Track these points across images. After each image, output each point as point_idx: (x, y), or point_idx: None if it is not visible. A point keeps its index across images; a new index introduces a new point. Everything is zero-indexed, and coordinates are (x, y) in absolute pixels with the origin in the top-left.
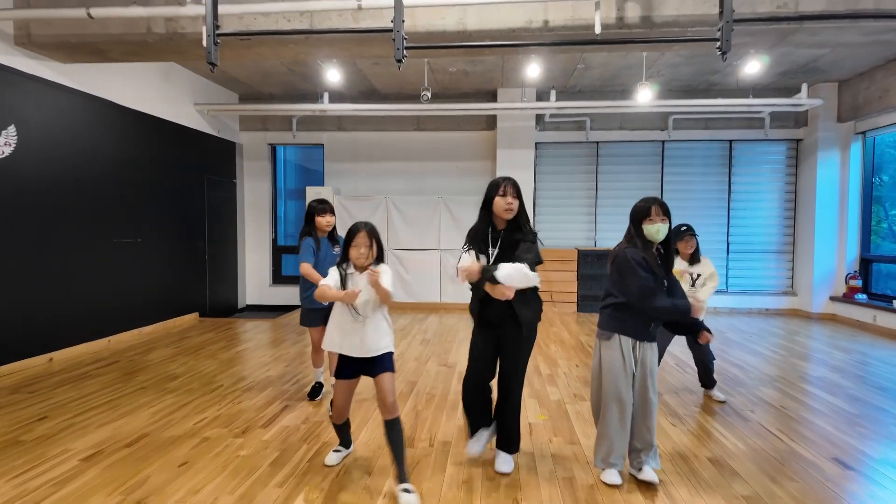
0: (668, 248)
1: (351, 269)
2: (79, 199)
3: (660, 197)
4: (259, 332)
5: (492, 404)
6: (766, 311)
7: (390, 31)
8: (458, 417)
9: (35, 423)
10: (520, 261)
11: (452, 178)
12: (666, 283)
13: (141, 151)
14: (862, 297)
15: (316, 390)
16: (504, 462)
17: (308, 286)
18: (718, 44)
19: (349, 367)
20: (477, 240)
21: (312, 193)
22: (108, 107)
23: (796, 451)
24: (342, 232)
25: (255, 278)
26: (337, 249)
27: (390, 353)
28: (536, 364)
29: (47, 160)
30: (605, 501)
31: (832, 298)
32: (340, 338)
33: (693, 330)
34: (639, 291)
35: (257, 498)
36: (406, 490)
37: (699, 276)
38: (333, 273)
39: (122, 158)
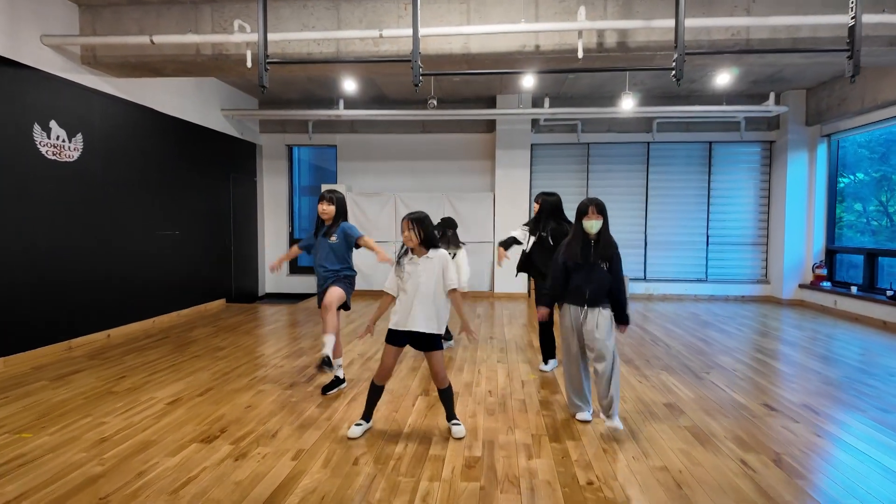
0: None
1: (410, 256)
2: (130, 196)
3: (646, 195)
4: (283, 315)
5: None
6: (741, 298)
7: (408, 60)
8: (464, 376)
9: (119, 380)
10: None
11: (455, 177)
12: (606, 266)
13: (178, 153)
14: (826, 284)
15: (333, 383)
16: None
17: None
18: (673, 73)
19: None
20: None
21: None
22: (151, 114)
23: (735, 398)
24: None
25: None
26: (334, 239)
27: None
28: (530, 340)
29: (107, 163)
30: (576, 429)
31: (801, 286)
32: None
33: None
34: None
35: (309, 430)
36: (455, 424)
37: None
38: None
39: (162, 160)
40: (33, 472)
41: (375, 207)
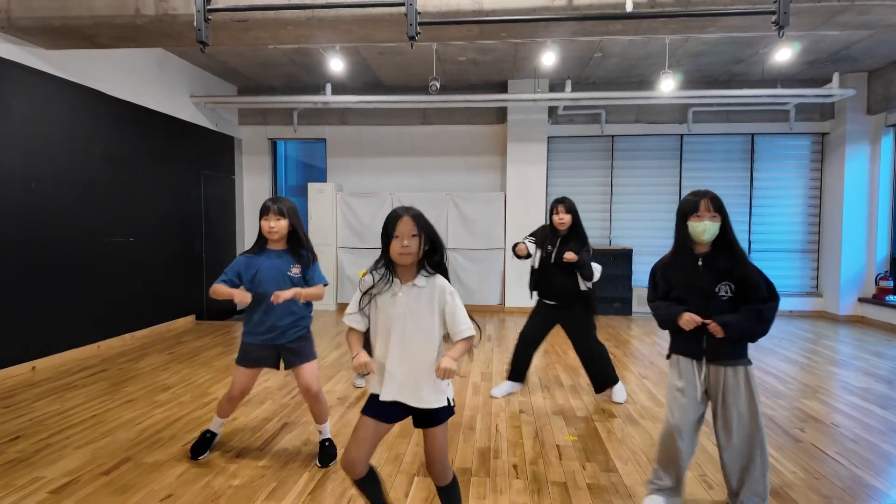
0: (726, 248)
1: (388, 282)
2: (67, 195)
3: (679, 194)
4: None
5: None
6: (789, 314)
7: (402, 4)
8: (476, 440)
9: (7, 444)
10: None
11: (461, 174)
12: (730, 292)
13: (133, 145)
14: (893, 298)
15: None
16: None
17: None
18: (775, 17)
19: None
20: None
21: (314, 190)
22: (97, 97)
23: (863, 479)
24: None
25: None
26: (296, 271)
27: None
28: (556, 374)
29: (32, 154)
30: None
31: (861, 300)
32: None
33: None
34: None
35: None
36: None
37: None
38: (367, 280)
39: (112, 152)
40: None
41: (370, 209)
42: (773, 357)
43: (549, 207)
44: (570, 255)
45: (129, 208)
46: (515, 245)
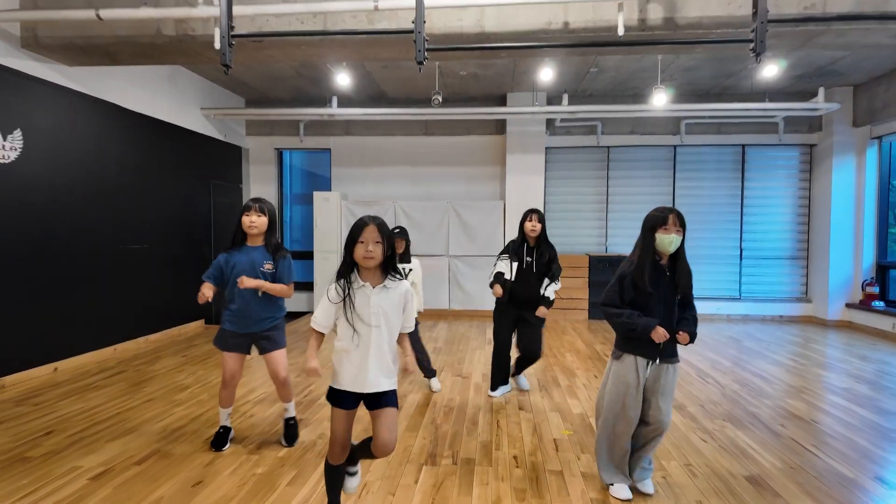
0: (680, 261)
1: (359, 283)
2: (85, 204)
3: (672, 204)
4: None
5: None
6: (779, 318)
7: (410, 32)
8: (479, 434)
9: (41, 438)
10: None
11: (461, 184)
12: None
13: (147, 156)
14: (879, 304)
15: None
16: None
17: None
18: (752, 45)
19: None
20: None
21: (320, 199)
22: (113, 110)
23: (836, 469)
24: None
25: None
26: (268, 267)
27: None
28: (554, 375)
29: (53, 165)
30: None
31: (848, 305)
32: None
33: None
34: (602, 300)
35: None
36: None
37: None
38: (333, 292)
39: (127, 163)
40: None
41: None
42: (761, 360)
43: (522, 216)
44: (542, 311)
45: (142, 216)
46: (492, 285)
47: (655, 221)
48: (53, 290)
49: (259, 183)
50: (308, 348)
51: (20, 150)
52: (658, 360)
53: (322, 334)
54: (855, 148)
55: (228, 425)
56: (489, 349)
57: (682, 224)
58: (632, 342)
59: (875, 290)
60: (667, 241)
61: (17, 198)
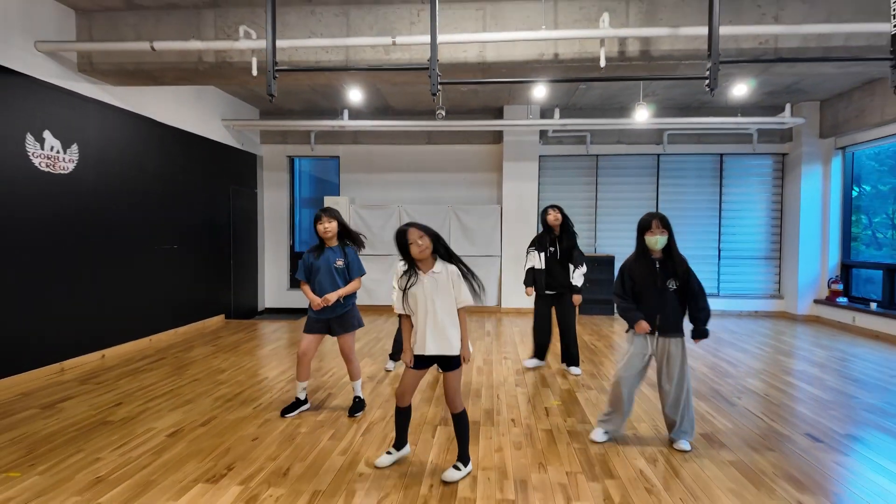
0: (672, 255)
1: (412, 278)
2: (128, 209)
3: (656, 208)
4: (285, 333)
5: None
6: (755, 314)
7: (424, 68)
8: (482, 403)
9: (114, 408)
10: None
11: (461, 189)
12: (675, 286)
13: (177, 164)
14: (843, 300)
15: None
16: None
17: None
18: (707, 81)
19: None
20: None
21: (330, 203)
22: (149, 124)
23: (775, 428)
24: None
25: (273, 283)
26: (340, 263)
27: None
28: (547, 361)
29: (102, 175)
30: (613, 465)
31: (816, 301)
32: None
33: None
34: (613, 290)
35: (325, 465)
36: (456, 468)
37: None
38: (395, 283)
39: (161, 171)
40: None
41: (380, 220)
42: (731, 348)
43: (541, 211)
44: (577, 299)
45: (173, 219)
46: (526, 285)
47: (643, 226)
48: (100, 285)
49: (273, 188)
50: (404, 337)
51: (76, 161)
52: (657, 334)
53: (408, 316)
54: (822, 157)
55: (302, 398)
56: (487, 340)
57: (665, 226)
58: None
59: (839, 287)
60: (653, 241)
61: (75, 204)
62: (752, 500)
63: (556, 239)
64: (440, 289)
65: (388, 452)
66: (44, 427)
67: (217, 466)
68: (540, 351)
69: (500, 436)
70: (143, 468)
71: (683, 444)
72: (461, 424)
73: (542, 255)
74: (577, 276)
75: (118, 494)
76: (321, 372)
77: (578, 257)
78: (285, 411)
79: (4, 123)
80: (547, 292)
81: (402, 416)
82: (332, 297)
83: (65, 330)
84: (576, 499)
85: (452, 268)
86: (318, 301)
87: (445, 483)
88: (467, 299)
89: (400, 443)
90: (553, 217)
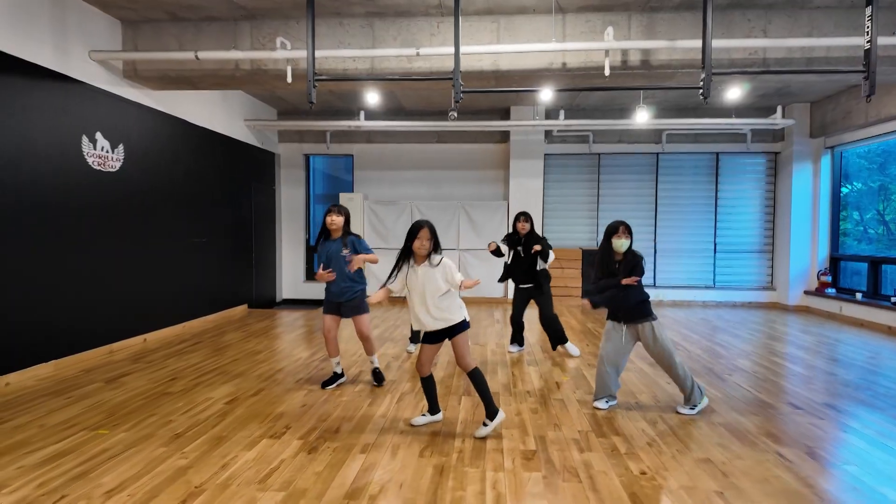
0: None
1: (408, 269)
2: (165, 204)
3: (655, 204)
4: (306, 321)
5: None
6: (748, 304)
7: (447, 78)
8: (500, 378)
9: (170, 382)
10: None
11: (470, 186)
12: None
13: (206, 162)
14: (831, 290)
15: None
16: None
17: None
18: (701, 91)
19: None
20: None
21: (345, 199)
22: (183, 125)
23: (760, 398)
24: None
25: (290, 275)
26: (346, 252)
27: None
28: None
29: (144, 172)
30: (619, 425)
31: (806, 292)
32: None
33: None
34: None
35: (369, 425)
36: (485, 425)
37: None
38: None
39: (192, 168)
40: (123, 464)
41: (392, 215)
42: (724, 334)
43: (514, 217)
44: (536, 247)
45: (202, 214)
46: (489, 244)
47: (611, 230)
48: (145, 275)
49: (289, 185)
50: (379, 291)
51: (122, 160)
52: (622, 321)
53: (390, 290)
54: (812, 156)
55: (339, 371)
56: (498, 327)
57: (629, 232)
58: (608, 312)
59: (828, 278)
60: (618, 244)
61: (122, 201)
62: (737, 451)
63: (522, 241)
64: (429, 278)
65: (423, 415)
66: (114, 396)
67: (276, 426)
68: (516, 336)
69: (519, 403)
70: (213, 426)
71: (685, 410)
72: (477, 381)
73: (513, 252)
74: (541, 264)
75: (198, 446)
76: (349, 353)
77: (544, 255)
78: (325, 384)
79: (65, 126)
80: (520, 286)
81: (427, 384)
82: (358, 260)
83: (113, 314)
84: (588, 450)
85: (445, 260)
86: (322, 273)
87: (478, 438)
88: (459, 277)
89: (433, 409)
90: (521, 226)
